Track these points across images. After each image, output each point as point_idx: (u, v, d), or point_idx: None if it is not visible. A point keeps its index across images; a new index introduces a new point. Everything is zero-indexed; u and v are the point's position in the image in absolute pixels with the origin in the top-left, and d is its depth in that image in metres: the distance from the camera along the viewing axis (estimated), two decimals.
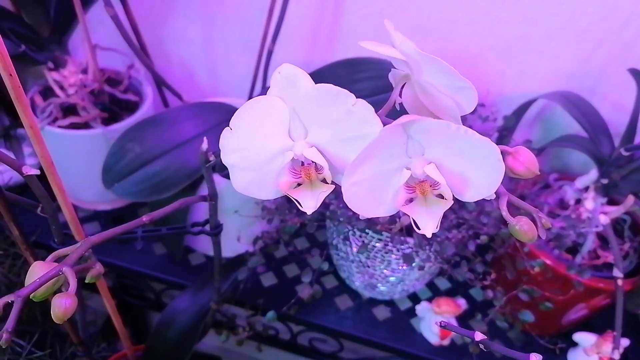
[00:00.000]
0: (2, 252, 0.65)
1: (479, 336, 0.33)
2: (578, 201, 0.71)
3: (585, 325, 0.74)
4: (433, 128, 0.28)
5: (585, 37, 0.71)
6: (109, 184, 0.64)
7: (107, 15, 0.63)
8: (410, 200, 0.30)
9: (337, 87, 0.29)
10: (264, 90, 0.77)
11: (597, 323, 0.74)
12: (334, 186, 0.31)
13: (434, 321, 0.74)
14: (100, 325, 0.87)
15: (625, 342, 0.60)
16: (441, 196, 0.29)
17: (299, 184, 0.31)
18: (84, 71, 0.78)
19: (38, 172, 0.39)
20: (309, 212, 0.30)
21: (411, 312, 0.79)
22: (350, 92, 0.64)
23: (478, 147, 0.27)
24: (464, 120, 0.74)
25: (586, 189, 0.71)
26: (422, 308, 0.75)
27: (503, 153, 0.33)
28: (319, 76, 0.66)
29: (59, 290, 0.31)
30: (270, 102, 0.31)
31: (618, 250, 0.59)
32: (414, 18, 0.75)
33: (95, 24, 0.77)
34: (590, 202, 0.68)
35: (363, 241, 0.68)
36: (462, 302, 0.73)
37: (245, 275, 0.68)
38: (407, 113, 0.38)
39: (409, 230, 0.64)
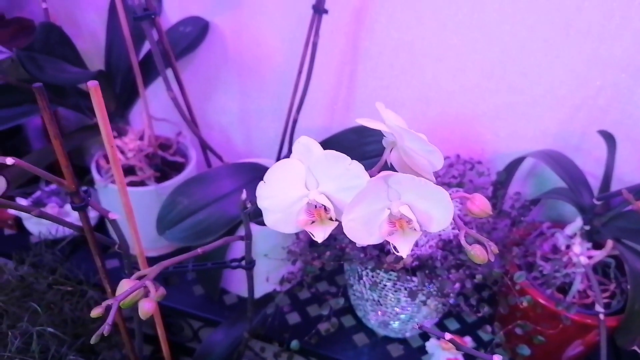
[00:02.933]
0: (70, 288, 0.77)
1: None
2: (568, 246, 0.80)
3: None
4: (404, 180, 0.40)
5: (565, 103, 0.82)
6: (161, 231, 0.77)
7: (160, 90, 0.78)
8: (393, 232, 0.41)
9: (338, 152, 0.42)
10: (290, 151, 0.91)
11: None
12: (337, 223, 0.43)
13: (442, 357, 0.82)
14: (148, 357, 0.97)
15: None
16: (414, 229, 0.40)
17: (313, 222, 0.43)
18: (141, 138, 0.94)
19: (118, 216, 0.53)
20: (319, 241, 0.42)
21: (422, 350, 0.87)
22: (360, 152, 0.77)
23: (435, 193, 0.39)
24: (463, 176, 0.86)
25: (574, 235, 0.80)
26: (431, 345, 0.83)
27: (463, 198, 0.44)
28: (335, 140, 0.80)
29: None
30: (292, 163, 0.43)
31: (598, 287, 0.68)
32: (416, 90, 0.88)
33: (150, 98, 0.93)
34: (578, 247, 0.77)
35: (375, 280, 0.78)
36: (468, 340, 0.81)
37: (273, 310, 0.78)
38: (396, 169, 0.50)
39: (414, 270, 0.75)
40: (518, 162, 0.85)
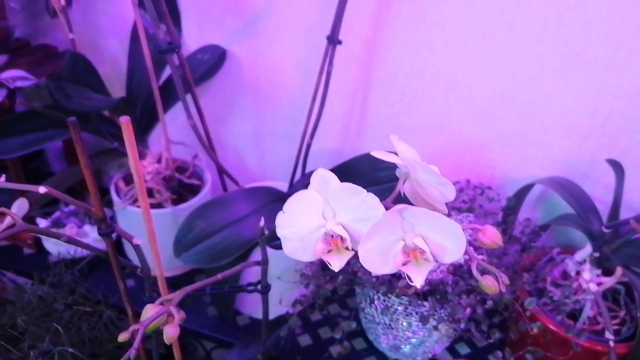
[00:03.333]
0: (89, 308, 0.79)
1: None
2: (578, 272, 0.81)
3: None
4: (418, 213, 0.41)
5: (574, 131, 0.84)
6: (178, 253, 0.79)
7: (178, 114, 0.81)
8: (407, 262, 0.43)
9: (354, 185, 0.44)
10: (303, 175, 0.93)
11: None
12: (354, 252, 0.44)
13: None
14: None
15: None
16: (428, 260, 0.42)
17: (329, 250, 0.45)
18: (159, 161, 0.96)
19: (142, 242, 0.55)
20: (336, 269, 0.43)
21: None
22: (373, 178, 0.79)
23: (447, 225, 0.41)
24: (473, 201, 0.87)
25: (584, 261, 0.81)
26: None
27: (475, 230, 0.46)
28: (349, 166, 0.82)
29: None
30: (310, 194, 0.45)
31: (608, 314, 0.68)
32: (427, 116, 0.90)
33: (168, 122, 0.96)
34: (587, 273, 0.78)
35: (386, 304, 0.79)
36: None
37: (286, 332, 0.80)
38: (409, 199, 0.52)
39: (425, 295, 0.76)
40: (527, 188, 0.86)
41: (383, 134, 0.95)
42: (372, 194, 0.44)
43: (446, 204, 0.97)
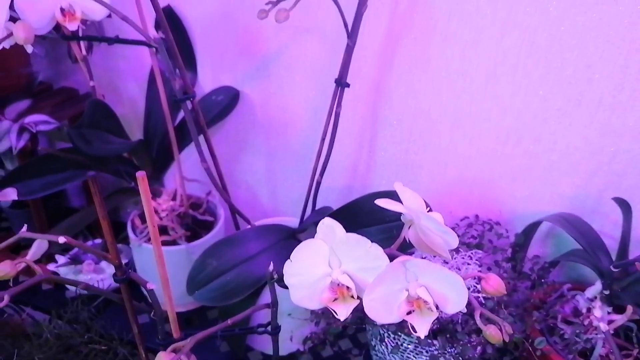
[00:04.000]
0: (104, 347, 0.81)
1: None
2: (589, 309, 0.81)
3: None
4: (420, 264, 0.43)
5: (580, 168, 0.85)
6: (191, 291, 0.80)
7: (193, 152, 0.83)
8: (411, 311, 0.44)
9: (359, 235, 0.45)
10: (313, 212, 0.95)
11: None
12: (359, 300, 0.46)
13: None
14: None
15: None
16: (431, 309, 0.43)
17: (335, 299, 0.46)
18: (174, 198, 0.99)
19: (155, 286, 0.57)
20: (342, 319, 0.45)
21: None
22: (381, 217, 0.80)
23: (449, 277, 0.42)
24: (482, 237, 0.88)
25: (594, 298, 0.80)
26: None
27: (479, 278, 0.47)
28: (357, 205, 0.84)
29: None
30: (316, 243, 0.47)
31: (619, 353, 0.68)
32: (434, 153, 0.92)
33: (183, 160, 0.99)
34: (598, 311, 0.78)
35: (397, 342, 0.80)
36: None
37: None
38: (413, 245, 0.53)
39: (435, 333, 0.76)
40: (536, 225, 0.87)
41: (391, 171, 0.97)
42: (376, 245, 0.45)
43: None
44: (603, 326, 0.71)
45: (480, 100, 0.84)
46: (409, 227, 0.52)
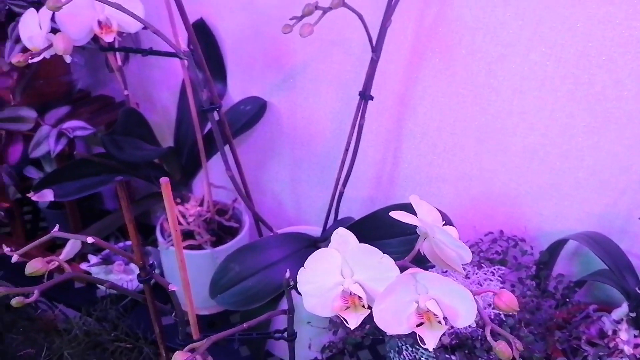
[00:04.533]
0: (130, 345, 0.84)
1: None
2: (615, 332, 0.78)
3: None
4: (430, 277, 0.43)
5: (609, 187, 0.83)
6: (213, 295, 0.83)
7: (220, 160, 0.86)
8: (421, 323, 0.45)
9: (371, 246, 0.46)
10: (335, 221, 0.96)
11: None
12: (370, 310, 0.47)
13: None
14: None
15: None
16: (440, 322, 0.43)
17: (347, 307, 0.47)
18: (201, 204, 1.02)
19: (177, 288, 0.59)
20: (352, 327, 0.46)
21: None
22: (402, 229, 0.81)
23: (458, 291, 0.42)
24: (506, 254, 0.87)
25: (621, 320, 0.78)
26: None
27: (492, 294, 0.47)
28: (379, 217, 0.85)
29: None
30: (330, 252, 0.48)
31: None
32: (458, 167, 0.92)
33: (211, 167, 1.02)
34: (624, 334, 0.75)
35: (414, 355, 0.79)
36: None
37: None
38: (428, 259, 0.54)
39: (453, 349, 0.76)
40: (561, 243, 0.85)
41: (415, 184, 0.97)
42: (388, 256, 0.46)
43: (479, 253, 0.97)
44: (627, 349, 0.69)
45: (505, 115, 0.84)
46: (424, 240, 0.53)
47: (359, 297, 0.46)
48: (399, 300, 0.45)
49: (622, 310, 0.77)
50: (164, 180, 0.48)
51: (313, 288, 0.48)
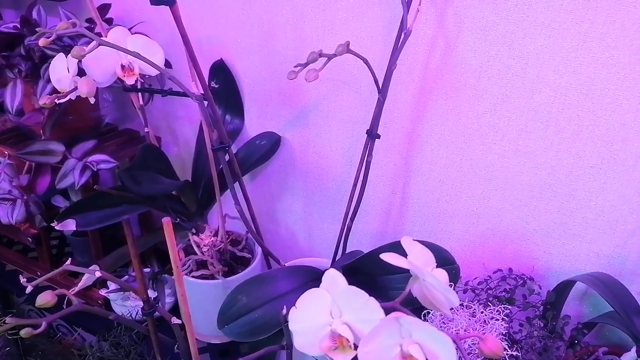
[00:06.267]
0: None
1: None
2: None
3: None
4: (413, 322, 0.45)
5: (618, 227, 0.82)
6: (221, 325, 0.85)
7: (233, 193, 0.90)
8: None
9: (358, 288, 0.48)
10: (343, 255, 0.97)
11: None
12: (357, 351, 0.48)
13: None
14: None
15: None
16: None
17: (335, 348, 0.49)
18: (216, 234, 1.06)
19: (180, 322, 0.62)
20: None
21: None
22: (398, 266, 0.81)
23: (440, 337, 0.43)
24: (513, 292, 0.87)
25: None
26: None
27: (478, 339, 0.48)
28: (383, 252, 0.86)
29: None
30: (320, 293, 0.50)
31: None
32: (466, 204, 0.93)
33: (227, 199, 1.06)
34: None
35: None
36: None
37: None
38: (419, 300, 0.55)
39: None
40: (569, 284, 0.84)
41: (424, 218, 0.98)
42: (374, 299, 0.48)
43: (487, 291, 0.97)
44: None
45: (511, 154, 0.85)
46: (415, 282, 0.54)
47: (347, 339, 0.48)
48: (382, 343, 0.46)
49: (631, 355, 0.76)
50: (165, 220, 0.51)
51: (303, 327, 0.50)
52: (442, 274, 0.52)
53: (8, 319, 0.48)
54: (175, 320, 0.59)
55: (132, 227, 1.23)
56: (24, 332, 0.49)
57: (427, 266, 0.54)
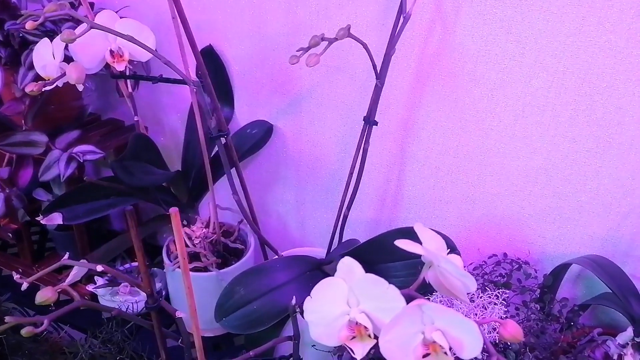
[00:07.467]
0: None
1: None
2: (620, 356, 0.78)
3: None
4: (436, 308, 0.44)
5: (612, 210, 0.83)
6: (218, 318, 0.83)
7: (225, 183, 0.87)
8: (427, 354, 0.45)
9: (377, 276, 0.47)
10: (340, 244, 0.96)
11: None
12: (376, 340, 0.47)
13: None
14: None
15: None
16: (447, 354, 0.44)
17: (353, 337, 0.48)
18: (207, 225, 1.03)
19: (184, 314, 0.60)
20: (358, 358, 0.46)
21: None
22: (407, 252, 0.81)
23: (465, 323, 0.43)
24: (510, 277, 0.87)
25: (626, 345, 0.78)
26: None
27: (497, 324, 0.48)
28: (382, 241, 0.86)
29: None
30: (336, 282, 0.49)
31: None
32: (461, 190, 0.93)
33: (217, 189, 1.03)
34: (630, 358, 0.76)
35: None
36: None
37: None
38: (433, 287, 0.54)
39: None
40: (565, 267, 0.85)
41: (419, 206, 0.98)
42: (394, 286, 0.47)
43: (483, 276, 0.97)
44: None
45: (508, 140, 0.85)
46: (429, 269, 0.53)
47: (365, 327, 0.47)
48: (405, 331, 0.45)
49: (627, 334, 0.77)
50: (174, 210, 0.49)
51: (319, 317, 0.49)
52: (457, 259, 0.52)
53: (8, 318, 0.45)
54: (179, 314, 0.57)
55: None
56: (25, 331, 0.46)
57: (441, 252, 0.53)
